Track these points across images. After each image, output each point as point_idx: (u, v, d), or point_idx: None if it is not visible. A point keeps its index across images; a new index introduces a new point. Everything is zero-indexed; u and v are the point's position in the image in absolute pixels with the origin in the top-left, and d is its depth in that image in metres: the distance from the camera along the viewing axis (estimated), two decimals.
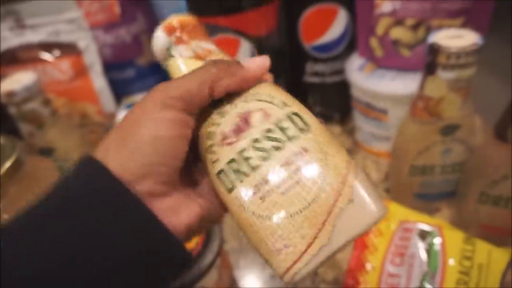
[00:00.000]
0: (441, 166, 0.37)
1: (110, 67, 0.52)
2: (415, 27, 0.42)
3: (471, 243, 0.31)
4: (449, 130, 0.34)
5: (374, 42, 0.45)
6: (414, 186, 0.40)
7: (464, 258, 0.31)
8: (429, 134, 0.35)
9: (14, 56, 0.47)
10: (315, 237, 0.19)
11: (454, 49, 0.30)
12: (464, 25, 0.40)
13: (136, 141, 0.20)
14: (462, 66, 0.31)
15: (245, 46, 0.45)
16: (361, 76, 0.46)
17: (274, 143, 0.21)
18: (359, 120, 0.49)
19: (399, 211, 0.37)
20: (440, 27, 0.40)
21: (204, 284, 0.33)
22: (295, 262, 0.19)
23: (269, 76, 0.24)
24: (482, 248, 0.31)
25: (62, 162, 0.42)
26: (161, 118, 0.20)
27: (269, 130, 0.21)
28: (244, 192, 0.21)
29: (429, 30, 0.41)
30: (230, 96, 0.23)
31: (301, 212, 0.19)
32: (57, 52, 0.45)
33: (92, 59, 0.47)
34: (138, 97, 0.51)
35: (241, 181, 0.21)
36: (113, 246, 0.18)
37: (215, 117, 0.23)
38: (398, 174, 0.40)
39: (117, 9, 0.48)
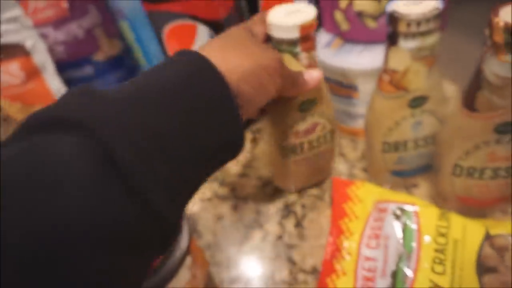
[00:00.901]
0: (414, 140, 0.36)
1: (65, 66, 0.49)
2: None
3: (446, 218, 0.30)
4: (417, 102, 0.33)
5: (338, 16, 0.43)
6: (389, 163, 0.38)
7: (439, 235, 0.29)
8: (398, 109, 0.34)
9: None
10: None
11: (413, 15, 0.28)
12: None
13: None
14: (424, 33, 0.29)
15: (202, 31, 0.42)
16: (328, 53, 0.43)
17: (318, 144, 0.38)
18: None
19: (374, 192, 0.36)
20: None
21: (175, 285, 0.32)
22: None
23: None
24: (457, 223, 0.30)
25: None
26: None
27: (319, 136, 0.38)
28: (294, 161, 0.39)
29: None
30: (312, 105, 0.35)
31: None
32: (3, 55, 0.42)
33: (43, 58, 0.44)
34: None
35: (292, 157, 0.38)
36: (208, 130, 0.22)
37: (298, 118, 0.35)
38: (372, 152, 0.38)
39: (64, 3, 0.45)
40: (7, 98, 0.46)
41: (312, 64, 0.33)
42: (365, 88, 0.42)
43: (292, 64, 0.32)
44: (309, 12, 0.30)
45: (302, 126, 0.36)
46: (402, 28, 0.29)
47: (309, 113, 0.35)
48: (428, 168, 0.39)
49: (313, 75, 0.31)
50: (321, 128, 0.37)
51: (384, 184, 0.41)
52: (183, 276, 0.32)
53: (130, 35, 0.54)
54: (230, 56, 0.24)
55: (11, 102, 0.46)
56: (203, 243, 0.40)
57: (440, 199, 0.38)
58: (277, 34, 0.31)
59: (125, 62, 0.55)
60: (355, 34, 0.43)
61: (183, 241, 0.32)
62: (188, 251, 0.32)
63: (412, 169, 0.39)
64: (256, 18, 0.32)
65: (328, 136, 0.38)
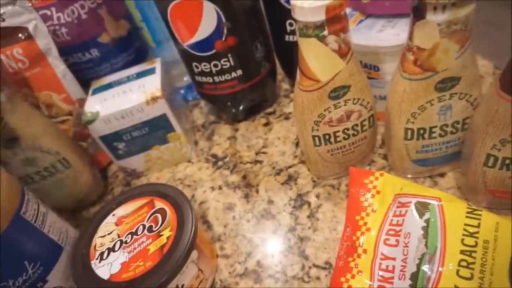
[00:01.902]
0: (440, 126, 0.32)
1: (71, 49, 0.47)
2: None
3: (476, 216, 0.27)
4: (446, 84, 0.29)
5: None
6: (412, 151, 0.35)
7: (468, 235, 0.26)
8: (424, 92, 0.30)
9: None
10: None
11: None
12: None
13: None
14: (455, 4, 0.25)
15: (208, 8, 0.39)
16: None
17: (356, 132, 0.35)
18: None
19: (394, 184, 0.33)
20: None
21: (180, 281, 0.30)
22: None
23: None
24: (489, 221, 0.26)
25: (30, 152, 0.39)
26: None
27: (355, 124, 0.35)
28: (324, 150, 0.36)
29: None
30: (343, 92, 0.31)
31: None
32: (5, 40, 0.41)
33: (46, 42, 0.42)
34: (107, 80, 0.46)
35: (326, 146, 0.36)
36: None
37: (329, 106, 0.32)
38: (393, 139, 0.35)
39: None
40: (13, 84, 0.44)
41: (343, 47, 0.29)
42: (387, 68, 0.38)
43: (320, 50, 0.29)
44: None
45: (334, 115, 0.33)
46: None
47: (342, 100, 0.32)
48: (455, 157, 0.35)
49: None
50: (356, 116, 0.34)
51: (405, 174, 0.38)
52: (189, 271, 0.31)
53: (136, 15, 0.51)
54: None
55: (17, 88, 0.45)
56: (213, 234, 0.39)
57: (468, 192, 0.34)
58: (301, 17, 0.27)
59: (133, 43, 0.52)
60: (376, 7, 0.39)
61: (187, 235, 0.31)
62: (193, 246, 0.31)
63: (437, 158, 0.35)
64: None
65: (365, 124, 0.35)
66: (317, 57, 0.30)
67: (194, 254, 0.31)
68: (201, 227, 0.35)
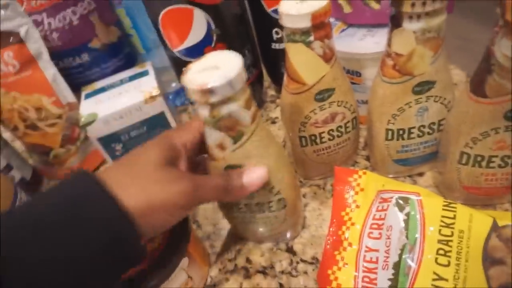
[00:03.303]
0: (418, 127, 0.34)
1: (62, 53, 0.48)
2: None
3: (452, 208, 0.29)
4: (422, 87, 0.31)
5: None
6: (392, 151, 0.37)
7: (444, 226, 0.28)
8: (402, 94, 0.32)
9: None
10: None
11: None
12: None
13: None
14: (429, 14, 0.27)
15: (199, 16, 0.41)
16: None
17: (340, 134, 0.37)
18: None
19: (376, 181, 0.34)
20: None
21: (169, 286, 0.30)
22: None
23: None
24: (463, 213, 0.29)
25: None
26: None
27: (340, 126, 0.36)
28: (310, 151, 0.37)
29: None
30: (328, 94, 0.33)
31: None
32: None
33: (37, 46, 0.43)
34: (99, 85, 0.47)
35: (311, 147, 0.37)
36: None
37: (315, 107, 0.34)
38: (375, 140, 0.37)
39: None
40: (3, 87, 0.45)
41: (328, 53, 0.31)
42: (368, 73, 0.41)
43: (306, 55, 0.30)
44: None
45: (320, 116, 0.35)
46: (406, 8, 0.27)
47: (326, 103, 0.34)
48: (433, 157, 0.38)
49: (253, 177, 0.28)
50: (340, 117, 0.36)
51: (387, 173, 0.40)
52: (178, 278, 0.31)
53: (127, 22, 0.52)
54: (127, 188, 0.23)
55: (6, 91, 0.45)
56: (203, 234, 0.40)
57: (445, 189, 0.36)
58: (288, 23, 0.29)
59: (123, 49, 0.53)
60: (357, 17, 0.41)
61: (179, 242, 0.31)
62: (184, 253, 0.31)
63: (417, 158, 0.38)
64: (185, 125, 0.29)
65: (349, 125, 0.37)
66: (303, 62, 0.32)
67: (185, 261, 0.32)
68: (195, 234, 0.36)
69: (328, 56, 0.31)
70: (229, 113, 0.25)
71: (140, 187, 0.24)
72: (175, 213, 0.25)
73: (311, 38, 0.30)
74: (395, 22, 0.29)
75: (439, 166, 0.37)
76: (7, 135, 0.52)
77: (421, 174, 0.40)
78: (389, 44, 0.31)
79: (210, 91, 0.23)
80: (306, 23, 0.29)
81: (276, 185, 0.30)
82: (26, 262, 0.19)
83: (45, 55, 0.44)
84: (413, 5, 0.27)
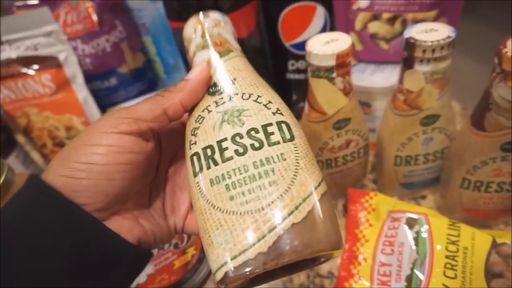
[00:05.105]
0: (424, 155, 0.38)
1: (92, 77, 0.51)
2: (391, 21, 0.43)
3: (456, 228, 0.33)
4: (428, 120, 0.36)
5: (353, 37, 0.46)
6: (400, 175, 0.41)
7: (450, 243, 0.32)
8: (411, 126, 0.36)
9: None
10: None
11: (429, 43, 0.31)
12: (437, 18, 0.41)
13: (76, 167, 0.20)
14: (437, 59, 0.32)
15: None
16: None
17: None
18: None
19: (387, 202, 0.38)
20: (415, 20, 0.41)
21: None
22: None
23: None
24: (467, 232, 0.32)
25: None
26: (103, 144, 0.20)
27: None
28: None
29: (405, 23, 0.42)
30: (345, 123, 0.33)
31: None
32: (36, 66, 0.45)
33: (73, 70, 0.46)
34: (122, 106, 0.51)
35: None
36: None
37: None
38: (384, 165, 0.41)
39: (94, 18, 0.48)
40: (37, 107, 0.48)
41: (347, 87, 0.35)
42: (377, 104, 0.45)
43: (328, 89, 0.35)
44: (344, 41, 0.33)
45: (336, 143, 0.39)
46: (418, 53, 0.32)
47: (343, 131, 0.38)
48: (435, 181, 0.42)
49: (194, 70, 0.23)
50: (354, 144, 0.40)
51: (392, 195, 0.44)
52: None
53: (151, 49, 0.56)
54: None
55: (40, 111, 0.48)
56: None
57: (447, 210, 0.40)
58: (315, 61, 0.33)
59: (146, 74, 0.57)
60: (368, 55, 0.46)
61: None
62: None
63: (421, 182, 0.42)
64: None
65: (361, 151, 0.41)
66: (325, 95, 0.36)
67: None
68: None
69: (347, 90, 0.36)
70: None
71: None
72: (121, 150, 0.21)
73: (334, 74, 0.34)
74: (407, 64, 0.33)
75: (441, 189, 0.41)
76: (36, 155, 0.54)
77: (423, 197, 0.44)
78: (401, 81, 0.35)
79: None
80: (331, 62, 0.33)
81: None
82: None
83: (79, 79, 0.48)
84: (424, 51, 0.31)
